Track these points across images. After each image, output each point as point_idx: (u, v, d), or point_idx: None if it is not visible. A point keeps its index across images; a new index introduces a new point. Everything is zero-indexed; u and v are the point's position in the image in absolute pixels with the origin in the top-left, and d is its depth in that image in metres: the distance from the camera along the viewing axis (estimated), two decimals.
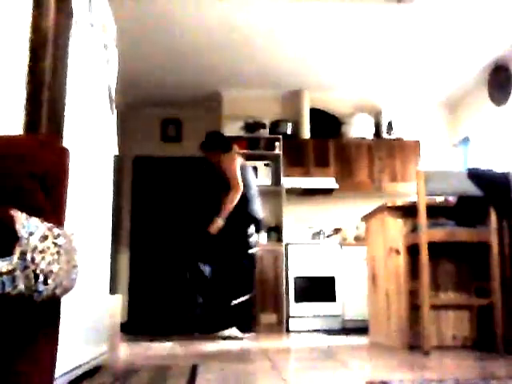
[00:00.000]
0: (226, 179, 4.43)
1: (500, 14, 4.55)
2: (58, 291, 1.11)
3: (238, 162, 4.49)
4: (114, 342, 2.93)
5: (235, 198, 4.33)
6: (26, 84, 1.66)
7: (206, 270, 4.37)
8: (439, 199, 3.60)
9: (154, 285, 6.26)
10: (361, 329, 4.67)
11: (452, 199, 3.45)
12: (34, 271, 1.01)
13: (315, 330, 5.17)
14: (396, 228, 3.46)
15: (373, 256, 3.88)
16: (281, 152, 5.83)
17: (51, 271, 1.06)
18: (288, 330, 5.23)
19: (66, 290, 1.17)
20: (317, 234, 5.92)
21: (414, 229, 3.27)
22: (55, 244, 1.09)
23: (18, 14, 1.71)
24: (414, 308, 3.27)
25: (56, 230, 1.11)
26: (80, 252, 1.26)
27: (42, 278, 1.03)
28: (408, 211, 3.43)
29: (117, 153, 2.75)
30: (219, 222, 4.32)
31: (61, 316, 1.28)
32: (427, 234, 3.08)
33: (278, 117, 6.16)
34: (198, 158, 6.54)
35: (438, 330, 3.34)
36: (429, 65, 5.58)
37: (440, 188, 3.17)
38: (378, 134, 6.14)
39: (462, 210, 3.27)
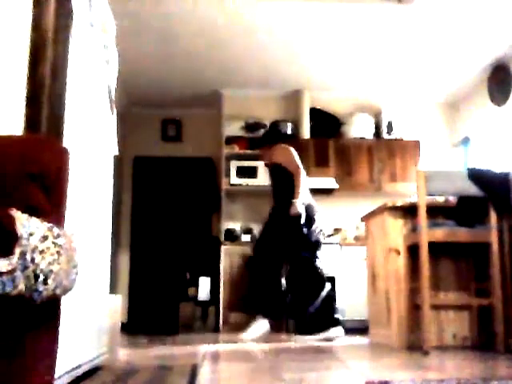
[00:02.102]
0: (285, 170, 4.27)
1: (500, 14, 4.54)
2: (58, 291, 1.11)
3: (292, 150, 4.33)
4: (113, 341, 2.93)
5: (301, 180, 4.17)
6: (26, 84, 1.66)
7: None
8: (439, 199, 3.60)
9: (154, 285, 6.26)
10: (361, 329, 4.67)
11: (452, 199, 3.45)
12: (34, 271, 1.01)
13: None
14: (396, 228, 3.46)
15: (373, 256, 3.88)
16: None
17: (51, 271, 1.06)
18: (288, 330, 5.23)
19: (66, 290, 1.17)
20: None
21: (414, 229, 3.27)
22: (55, 244, 1.09)
23: (18, 14, 1.71)
24: (414, 308, 3.27)
25: (56, 230, 1.11)
26: (80, 252, 1.26)
27: (42, 277, 1.03)
28: (408, 211, 3.43)
29: (117, 153, 2.75)
30: (297, 204, 4.09)
31: (61, 316, 1.28)
32: (427, 234, 3.08)
33: (278, 117, 6.16)
34: (198, 158, 6.57)
35: (438, 330, 3.34)
36: (429, 65, 5.58)
37: (440, 188, 3.17)
38: (377, 134, 6.14)
39: (462, 210, 3.27)
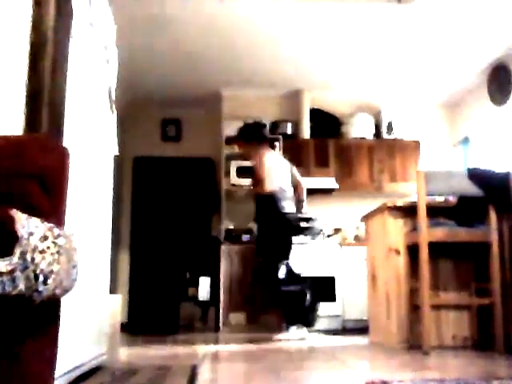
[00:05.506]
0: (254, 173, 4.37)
1: (500, 15, 4.54)
2: (57, 291, 1.11)
3: (267, 157, 4.34)
4: (114, 342, 2.93)
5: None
6: (26, 84, 1.66)
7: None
8: (439, 199, 3.59)
9: (154, 285, 6.26)
10: (361, 329, 4.67)
11: (452, 199, 3.45)
12: (34, 271, 1.01)
13: (315, 330, 5.17)
14: (396, 228, 3.46)
15: (373, 256, 3.88)
16: (281, 152, 5.82)
17: (51, 271, 1.06)
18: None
19: (66, 290, 1.17)
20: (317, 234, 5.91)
21: (414, 229, 3.27)
22: (55, 244, 1.09)
23: (18, 14, 1.71)
24: (414, 308, 3.27)
25: (56, 230, 1.11)
26: (80, 252, 1.26)
27: (41, 278, 1.03)
28: (408, 211, 3.42)
29: (117, 153, 2.75)
30: None
31: (61, 316, 1.28)
32: (427, 234, 3.08)
33: (278, 117, 6.16)
34: (198, 158, 6.57)
35: (438, 330, 3.34)
36: (429, 65, 5.57)
37: (440, 188, 3.17)
38: (377, 134, 6.14)
39: (462, 210, 3.27)
